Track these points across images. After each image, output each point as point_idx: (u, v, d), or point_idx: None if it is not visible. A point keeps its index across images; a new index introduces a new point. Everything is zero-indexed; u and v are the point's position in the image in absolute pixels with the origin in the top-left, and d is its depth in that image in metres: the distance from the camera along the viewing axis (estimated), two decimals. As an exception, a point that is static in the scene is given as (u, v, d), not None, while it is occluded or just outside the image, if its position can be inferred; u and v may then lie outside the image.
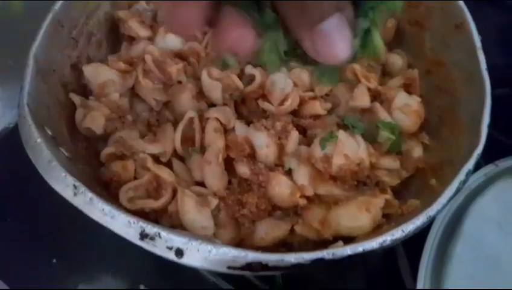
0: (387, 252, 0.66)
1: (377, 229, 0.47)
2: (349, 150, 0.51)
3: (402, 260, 0.62)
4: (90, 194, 0.41)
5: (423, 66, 0.64)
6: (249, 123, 0.58)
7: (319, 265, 0.40)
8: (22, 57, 0.75)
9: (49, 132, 0.48)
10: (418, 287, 0.57)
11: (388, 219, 0.49)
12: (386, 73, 0.66)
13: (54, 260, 0.68)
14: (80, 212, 0.65)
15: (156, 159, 0.55)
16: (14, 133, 0.77)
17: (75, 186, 0.42)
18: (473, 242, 0.59)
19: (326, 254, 0.40)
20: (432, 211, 0.43)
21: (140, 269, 0.67)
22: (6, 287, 0.65)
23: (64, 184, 0.42)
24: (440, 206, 0.43)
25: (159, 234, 0.40)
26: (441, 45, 0.62)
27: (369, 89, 0.59)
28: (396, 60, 0.65)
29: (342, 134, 0.52)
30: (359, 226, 0.47)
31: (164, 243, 0.40)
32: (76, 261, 0.68)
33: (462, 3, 0.59)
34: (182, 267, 0.66)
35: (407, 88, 0.62)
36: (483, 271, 0.57)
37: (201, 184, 0.54)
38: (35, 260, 0.68)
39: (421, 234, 0.57)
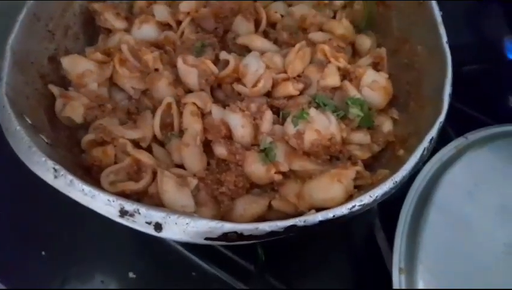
0: (366, 228, 0.68)
1: (349, 200, 0.50)
2: (321, 126, 0.53)
3: (379, 232, 0.65)
4: (70, 176, 0.43)
5: (391, 45, 0.67)
6: (225, 107, 0.60)
7: (292, 232, 0.42)
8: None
9: (29, 120, 0.50)
10: (394, 257, 0.59)
11: (360, 190, 0.51)
12: (355, 53, 0.68)
13: (43, 253, 0.70)
14: (67, 204, 0.67)
15: (136, 144, 0.56)
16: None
17: (55, 170, 0.43)
18: (445, 210, 0.62)
19: (298, 221, 0.42)
20: (397, 176, 0.45)
21: (129, 257, 0.69)
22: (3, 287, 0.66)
23: (45, 168, 0.44)
24: (406, 172, 0.46)
25: (138, 210, 0.41)
26: (406, 23, 0.65)
27: (338, 68, 0.61)
28: (365, 41, 0.67)
29: (312, 111, 0.54)
30: (332, 197, 0.50)
31: (143, 218, 0.41)
32: (65, 253, 0.70)
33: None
34: (169, 254, 0.69)
35: (376, 66, 0.65)
36: (455, 236, 0.60)
37: (181, 167, 0.56)
38: (25, 253, 0.70)
39: (397, 207, 0.60)
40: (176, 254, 0.68)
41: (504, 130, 0.66)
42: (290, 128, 0.54)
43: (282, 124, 0.57)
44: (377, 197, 0.45)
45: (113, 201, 0.42)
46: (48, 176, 0.43)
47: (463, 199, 0.63)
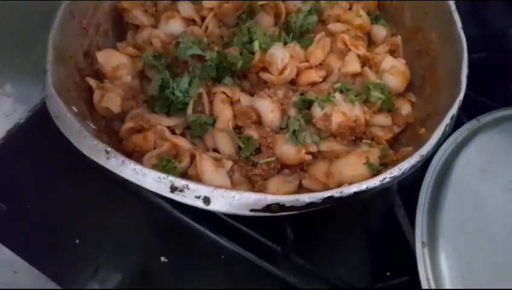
0: (386, 208, 0.72)
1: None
2: (346, 108, 0.57)
3: (399, 210, 0.69)
4: (121, 157, 0.46)
5: (404, 34, 0.71)
6: (252, 95, 0.64)
7: (329, 203, 0.46)
8: (28, 54, 0.80)
9: (75, 109, 0.53)
10: (416, 232, 0.63)
11: (385, 167, 0.54)
12: (371, 43, 0.72)
13: (77, 241, 0.73)
14: (98, 196, 0.70)
15: (171, 132, 0.60)
16: (25, 128, 0.82)
17: (106, 152, 0.47)
18: (462, 188, 0.66)
19: (335, 192, 0.45)
20: (423, 151, 0.49)
21: (161, 242, 0.72)
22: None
23: (97, 150, 0.47)
24: (430, 147, 0.49)
25: (187, 186, 0.45)
26: (419, 13, 0.69)
27: (358, 56, 0.65)
28: (381, 31, 0.71)
29: (338, 95, 0.58)
30: (360, 173, 0.53)
31: (192, 193, 0.45)
32: (97, 241, 0.72)
33: (435, -27, 0.65)
34: (199, 238, 0.72)
35: (392, 54, 0.68)
36: (472, 211, 0.64)
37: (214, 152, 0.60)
38: (60, 241, 0.72)
39: (415, 186, 0.64)
40: (205, 237, 0.71)
41: (512, 113, 0.70)
42: (317, 111, 0.58)
43: (308, 108, 0.60)
44: (405, 169, 0.48)
45: (164, 178, 0.45)
46: (100, 158, 0.46)
47: (477, 177, 0.67)
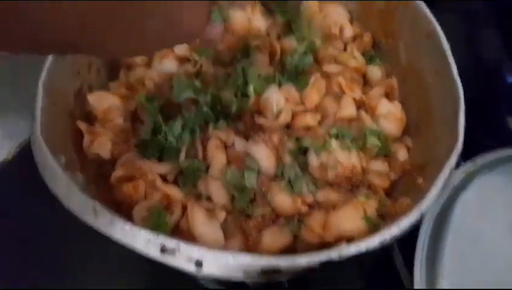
0: (382, 251, 0.70)
1: (374, 230, 0.52)
2: (343, 157, 0.56)
3: (397, 256, 0.67)
4: (110, 216, 0.44)
5: (400, 75, 0.70)
6: (246, 138, 0.63)
7: (327, 266, 0.44)
8: (18, 88, 0.78)
9: (63, 159, 0.51)
10: (414, 280, 0.62)
11: (383, 219, 0.53)
12: (366, 83, 0.71)
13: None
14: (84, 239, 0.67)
15: (163, 177, 0.58)
16: (13, 165, 0.80)
17: (95, 209, 0.45)
18: (460, 232, 0.64)
19: (333, 254, 0.44)
20: (422, 206, 0.47)
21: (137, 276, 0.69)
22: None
23: (85, 207, 0.45)
24: (429, 201, 0.48)
25: (178, 247, 0.43)
26: (414, 54, 0.68)
27: (354, 99, 0.64)
28: (376, 72, 0.70)
29: (334, 142, 0.57)
30: (358, 227, 0.52)
31: (184, 255, 0.43)
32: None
33: (429, 13, 0.65)
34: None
35: (388, 96, 0.68)
36: (472, 257, 0.62)
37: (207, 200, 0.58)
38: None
39: (413, 232, 0.62)
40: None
41: (510, 154, 0.69)
42: (313, 159, 0.56)
43: (304, 154, 0.59)
44: (404, 227, 0.47)
45: (154, 239, 0.43)
46: (88, 216, 0.45)
47: (476, 220, 0.66)
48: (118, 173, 0.57)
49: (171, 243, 0.43)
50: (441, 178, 0.50)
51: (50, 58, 0.57)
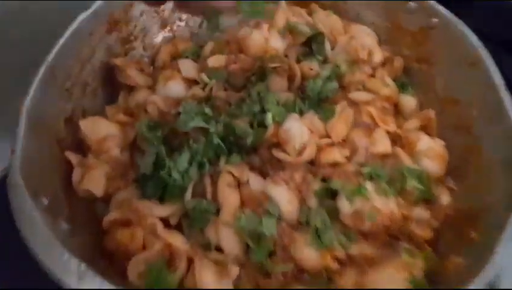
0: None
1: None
2: (380, 203, 0.47)
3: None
4: (99, 280, 0.35)
5: (436, 105, 0.62)
6: (263, 174, 0.54)
7: None
8: (7, 111, 0.69)
9: (45, 201, 0.42)
10: None
11: (430, 281, 0.44)
12: (397, 113, 0.63)
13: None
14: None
15: (165, 221, 0.49)
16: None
17: (80, 271, 0.36)
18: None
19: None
20: (487, 274, 0.38)
21: None
22: None
23: (67, 268, 0.36)
24: (498, 270, 0.39)
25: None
26: (453, 82, 0.60)
27: (387, 133, 0.56)
28: (409, 101, 0.62)
29: (369, 185, 0.48)
30: (400, 290, 0.42)
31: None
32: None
33: (475, 39, 0.57)
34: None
35: (423, 129, 0.59)
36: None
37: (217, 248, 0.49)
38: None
39: None
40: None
41: None
42: (345, 206, 0.47)
43: (332, 197, 0.51)
44: (466, 299, 0.38)
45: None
46: (70, 279, 0.35)
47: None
48: (111, 216, 0.48)
49: (174, 316, 0.34)
50: (505, 235, 0.41)
51: (36, 83, 0.49)
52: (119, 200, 0.50)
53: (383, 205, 0.47)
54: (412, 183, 0.50)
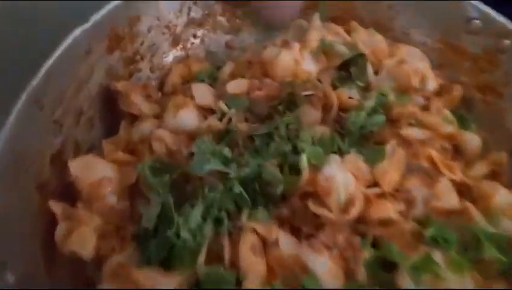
0: None
1: None
2: (454, 282, 0.36)
3: None
4: None
5: (506, 146, 0.51)
6: (293, 230, 0.43)
7: None
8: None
9: (11, 277, 0.32)
10: None
11: None
12: (456, 156, 0.52)
13: None
14: None
15: (170, 293, 0.38)
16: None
17: None
18: None
19: None
20: None
21: None
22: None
23: None
24: None
25: None
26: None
27: (452, 182, 0.44)
28: (473, 139, 0.51)
29: (439, 257, 0.37)
30: None
31: None
32: None
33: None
34: None
35: (492, 178, 0.48)
36: None
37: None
38: None
39: None
40: None
41: None
42: (407, 284, 0.36)
43: (387, 269, 0.39)
44: None
45: None
46: None
47: None
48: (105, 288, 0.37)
49: None
50: None
51: (15, 114, 0.39)
52: (114, 266, 0.39)
53: (457, 284, 0.36)
54: (492, 253, 0.39)
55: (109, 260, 0.40)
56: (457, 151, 0.52)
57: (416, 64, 0.54)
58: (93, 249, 0.39)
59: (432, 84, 0.54)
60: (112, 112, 0.53)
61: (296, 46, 0.55)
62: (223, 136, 0.49)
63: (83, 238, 0.39)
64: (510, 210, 0.42)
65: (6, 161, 0.38)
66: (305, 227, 0.43)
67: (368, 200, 0.43)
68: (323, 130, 0.50)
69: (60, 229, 0.40)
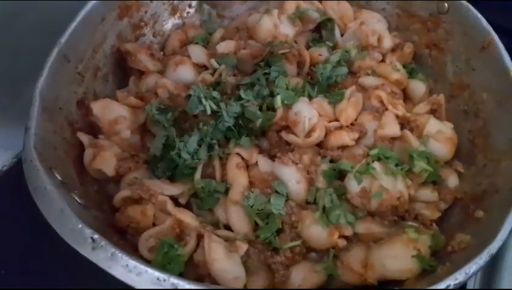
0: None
1: (427, 271, 0.43)
2: (387, 183, 0.47)
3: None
4: (111, 248, 0.36)
5: (446, 90, 0.62)
6: (271, 157, 0.55)
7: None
8: (19, 96, 0.71)
9: (58, 177, 0.43)
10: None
11: (437, 258, 0.44)
12: (406, 99, 0.63)
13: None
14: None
15: (174, 200, 0.50)
16: (7, 177, 0.72)
17: (93, 240, 0.36)
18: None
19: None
20: (493, 248, 0.38)
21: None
22: None
23: (81, 237, 0.37)
24: (501, 242, 0.39)
25: (195, 292, 0.34)
26: (464, 67, 0.60)
27: (397, 116, 0.56)
28: (418, 87, 0.62)
29: (377, 165, 0.48)
30: (409, 268, 0.43)
31: (199, 303, 0.34)
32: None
33: (484, 21, 0.57)
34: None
35: (433, 114, 0.59)
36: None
37: (226, 227, 0.50)
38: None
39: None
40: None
41: None
42: (353, 185, 0.48)
43: (340, 179, 0.51)
44: (472, 273, 0.38)
45: (164, 280, 0.35)
46: (84, 248, 0.36)
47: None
48: (123, 193, 0.49)
49: (184, 285, 0.35)
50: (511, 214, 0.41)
51: (49, 64, 0.50)
52: (130, 180, 0.50)
53: (391, 185, 0.47)
54: (420, 165, 0.50)
55: (126, 176, 0.52)
56: (407, 96, 0.63)
57: (375, 26, 0.65)
58: (114, 168, 0.51)
59: (388, 42, 0.65)
60: (122, 69, 0.64)
61: (275, 12, 0.66)
62: (214, 86, 0.60)
63: (105, 160, 0.51)
64: (438, 135, 0.53)
65: (45, 101, 0.49)
66: (279, 152, 0.54)
67: (329, 131, 0.55)
68: (297, 81, 0.61)
69: (87, 154, 0.51)
